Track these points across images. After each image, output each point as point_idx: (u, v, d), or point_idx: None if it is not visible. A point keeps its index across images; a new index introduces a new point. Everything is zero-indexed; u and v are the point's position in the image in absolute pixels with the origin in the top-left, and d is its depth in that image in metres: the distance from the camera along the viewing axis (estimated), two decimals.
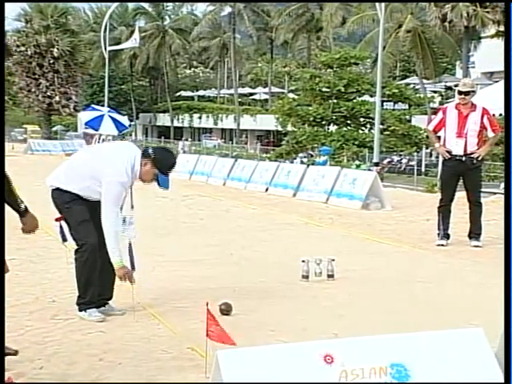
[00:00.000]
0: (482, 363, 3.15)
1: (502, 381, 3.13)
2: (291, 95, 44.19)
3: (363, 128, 32.33)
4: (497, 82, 24.98)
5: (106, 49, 44.85)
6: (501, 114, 15.83)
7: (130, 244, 5.74)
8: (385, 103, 34.12)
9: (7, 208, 4.13)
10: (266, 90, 65.55)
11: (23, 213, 4.22)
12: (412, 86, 45.57)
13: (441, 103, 40.45)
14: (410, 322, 5.43)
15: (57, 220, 5.59)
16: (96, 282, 5.51)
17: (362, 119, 32.15)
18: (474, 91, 9.38)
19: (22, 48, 47.52)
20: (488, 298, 6.33)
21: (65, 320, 5.47)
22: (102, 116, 37.86)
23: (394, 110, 35.43)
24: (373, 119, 28.63)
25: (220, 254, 8.36)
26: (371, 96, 31.50)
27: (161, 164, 5.48)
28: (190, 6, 71.27)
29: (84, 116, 39.99)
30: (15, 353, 4.36)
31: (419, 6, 39.18)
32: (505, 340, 3.20)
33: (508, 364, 3.14)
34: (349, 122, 32.08)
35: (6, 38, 38.13)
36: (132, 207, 5.71)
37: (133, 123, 61.77)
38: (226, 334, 4.09)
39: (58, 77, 48.28)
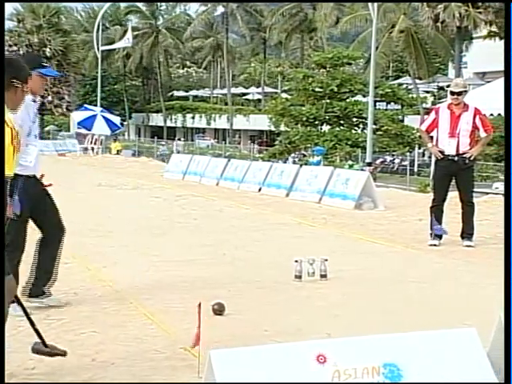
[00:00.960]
0: (475, 363, 3.16)
1: (496, 381, 3.15)
2: (284, 95, 44.22)
3: (356, 128, 32.40)
4: (489, 82, 25.08)
5: (98, 49, 44.80)
6: (492, 114, 15.92)
7: (22, 182, 5.44)
8: (377, 103, 34.21)
9: None
10: (259, 90, 65.56)
11: None
12: (405, 86, 45.67)
13: (433, 103, 40.56)
14: (403, 321, 5.44)
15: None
16: None
17: (354, 119, 32.22)
18: (466, 91, 9.41)
19: (14, 48, 47.43)
20: (481, 297, 6.35)
21: (58, 320, 5.46)
22: (94, 116, 37.83)
23: (386, 110, 35.55)
24: (366, 119, 28.71)
25: (214, 254, 8.36)
26: (364, 96, 31.57)
27: (30, 63, 5.07)
28: (183, 5, 71.25)
29: (76, 116, 39.98)
30: (64, 353, 4.37)
31: (412, 7, 39.29)
32: (505, 340, 3.21)
33: (508, 364, 3.15)
34: (342, 122, 32.14)
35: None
36: (36, 137, 5.79)
37: (125, 123, 61.71)
38: (198, 337, 4.17)
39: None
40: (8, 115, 3.93)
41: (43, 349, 4.33)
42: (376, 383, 3.02)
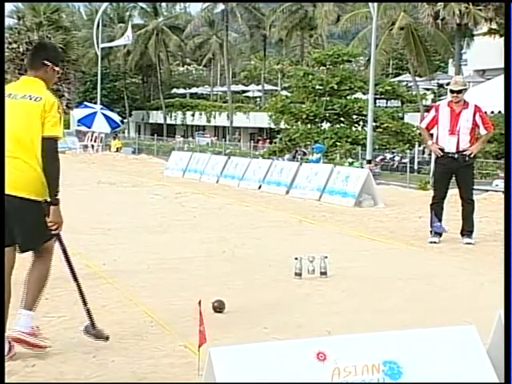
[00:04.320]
0: (475, 360, 3.16)
1: (495, 378, 3.15)
2: (284, 93, 44.25)
3: (356, 125, 32.41)
4: (489, 79, 25.05)
5: (98, 46, 44.76)
6: (492, 112, 15.91)
7: None
8: (378, 100, 34.18)
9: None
10: (259, 87, 65.49)
11: (51, 202, 4.57)
12: (405, 83, 45.64)
13: (433, 101, 40.55)
14: (402, 319, 5.44)
15: None
16: None
17: (354, 116, 32.23)
18: (465, 89, 9.40)
19: (14, 45, 47.36)
20: (481, 295, 6.35)
21: (58, 318, 5.46)
22: (94, 113, 37.84)
23: (386, 107, 35.52)
24: (366, 116, 28.72)
25: (213, 252, 8.36)
26: (364, 93, 31.58)
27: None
28: (183, 3, 71.24)
29: (76, 113, 39.93)
30: (107, 338, 4.78)
31: (412, 4, 39.21)
32: (505, 338, 3.21)
33: (508, 362, 3.15)
34: (342, 119, 32.16)
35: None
36: None
37: (125, 121, 61.65)
38: (203, 335, 4.16)
39: None
40: (46, 92, 4.65)
41: (91, 331, 4.75)
42: (376, 383, 3.02)
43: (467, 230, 9.18)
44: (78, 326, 5.23)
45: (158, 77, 66.86)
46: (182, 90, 72.01)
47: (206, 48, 67.72)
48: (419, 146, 33.46)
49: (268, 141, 51.10)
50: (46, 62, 4.70)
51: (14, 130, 4.54)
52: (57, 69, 4.79)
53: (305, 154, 30.86)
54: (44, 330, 5.15)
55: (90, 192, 15.68)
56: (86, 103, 42.30)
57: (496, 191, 14.88)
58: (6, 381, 3.88)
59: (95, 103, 42.44)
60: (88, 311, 4.79)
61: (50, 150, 4.53)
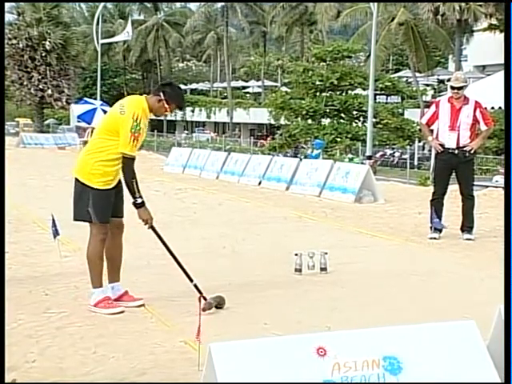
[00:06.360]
0: (475, 356, 3.16)
1: (495, 373, 3.14)
2: (284, 88, 44.19)
3: (356, 121, 32.37)
4: (489, 75, 25.03)
5: (98, 42, 44.70)
6: (493, 108, 15.89)
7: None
8: (377, 96, 34.14)
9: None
10: (259, 83, 65.48)
11: (136, 206, 5.72)
12: (405, 79, 45.60)
13: (433, 96, 40.52)
14: (402, 314, 5.45)
15: None
16: None
17: (354, 112, 32.19)
18: (466, 85, 9.39)
19: (14, 41, 47.27)
20: (481, 290, 6.36)
21: (58, 313, 5.46)
22: (94, 109, 37.78)
23: (386, 103, 35.46)
24: (366, 112, 28.68)
25: (213, 248, 8.36)
26: (364, 89, 31.53)
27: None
28: None
29: (76, 109, 39.88)
30: (203, 309, 5.14)
31: None
32: (505, 333, 3.21)
33: (508, 359, 3.14)
34: (342, 115, 32.11)
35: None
36: None
37: None
38: (198, 330, 4.20)
39: (50, 70, 48.03)
40: (139, 111, 5.25)
41: (206, 302, 5.33)
42: (376, 380, 3.02)
43: (467, 225, 9.18)
44: (77, 322, 5.24)
45: (157, 73, 66.83)
46: (181, 86, 71.73)
47: (206, 44, 67.73)
48: (419, 141, 33.47)
49: (269, 137, 51.13)
50: (161, 94, 5.42)
51: (97, 125, 5.46)
52: (166, 106, 5.44)
53: (302, 147, 30.84)
54: (44, 325, 5.16)
55: None
56: (85, 99, 42.21)
57: (496, 187, 14.88)
58: (6, 377, 3.88)
59: (95, 99, 42.39)
60: (195, 286, 5.46)
61: (123, 163, 5.31)
